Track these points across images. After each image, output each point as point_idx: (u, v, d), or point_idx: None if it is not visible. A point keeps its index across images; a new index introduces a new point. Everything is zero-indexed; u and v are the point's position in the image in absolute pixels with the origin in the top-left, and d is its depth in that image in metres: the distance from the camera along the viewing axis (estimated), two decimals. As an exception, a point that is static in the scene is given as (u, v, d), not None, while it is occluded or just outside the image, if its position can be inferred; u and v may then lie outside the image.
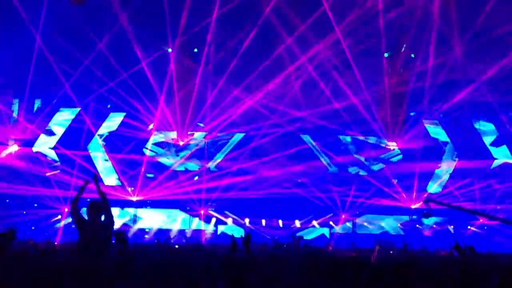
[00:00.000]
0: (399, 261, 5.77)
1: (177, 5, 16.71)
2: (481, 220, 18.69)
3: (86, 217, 6.22)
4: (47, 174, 18.85)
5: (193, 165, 19.87)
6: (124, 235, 4.81)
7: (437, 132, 19.90)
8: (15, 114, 19.03)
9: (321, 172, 19.57)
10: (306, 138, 19.70)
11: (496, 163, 19.41)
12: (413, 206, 19.24)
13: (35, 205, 18.72)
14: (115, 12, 16.67)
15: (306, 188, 19.21)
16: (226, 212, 19.41)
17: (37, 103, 19.29)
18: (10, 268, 4.58)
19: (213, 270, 5.54)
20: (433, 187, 19.65)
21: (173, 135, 19.75)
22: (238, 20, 17.07)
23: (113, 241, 5.68)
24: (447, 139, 19.86)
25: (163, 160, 19.73)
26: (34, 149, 19.19)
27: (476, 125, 19.66)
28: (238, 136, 19.69)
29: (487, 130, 19.60)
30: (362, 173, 19.94)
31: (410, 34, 17.81)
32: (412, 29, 17.43)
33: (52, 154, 19.28)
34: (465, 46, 16.79)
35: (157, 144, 19.80)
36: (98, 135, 19.46)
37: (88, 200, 6.34)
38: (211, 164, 19.70)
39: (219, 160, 19.65)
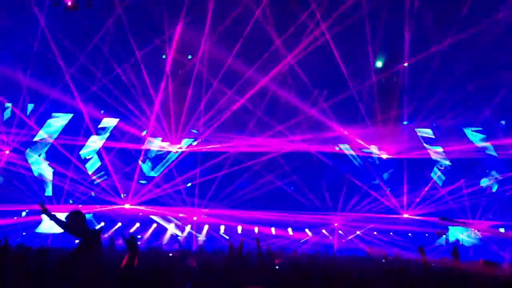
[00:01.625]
0: None
1: (172, 14, 16.85)
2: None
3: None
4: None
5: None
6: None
7: (431, 141, 20.00)
8: (8, 118, 18.91)
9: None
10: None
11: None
12: (405, 215, 19.30)
13: (26, 211, 18.52)
14: (113, 17, 16.79)
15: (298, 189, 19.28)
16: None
17: (30, 108, 19.15)
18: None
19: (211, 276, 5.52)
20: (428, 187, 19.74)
21: (165, 141, 19.71)
22: (233, 24, 17.17)
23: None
24: (440, 147, 19.95)
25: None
26: (26, 154, 19.04)
27: (468, 133, 19.76)
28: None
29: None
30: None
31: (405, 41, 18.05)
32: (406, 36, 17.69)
33: (45, 161, 19.16)
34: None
35: (149, 152, 19.79)
36: (92, 139, 19.36)
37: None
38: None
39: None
